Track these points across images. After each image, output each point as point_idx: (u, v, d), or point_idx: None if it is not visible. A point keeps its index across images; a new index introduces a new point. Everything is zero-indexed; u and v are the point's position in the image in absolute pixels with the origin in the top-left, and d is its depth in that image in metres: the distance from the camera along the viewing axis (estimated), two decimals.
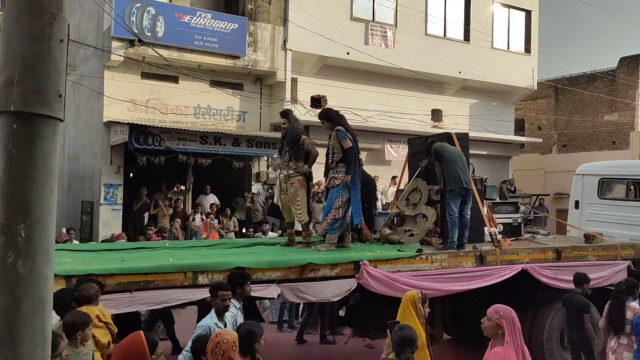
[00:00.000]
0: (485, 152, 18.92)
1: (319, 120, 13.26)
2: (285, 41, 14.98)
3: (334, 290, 5.87)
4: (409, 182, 8.08)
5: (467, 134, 8.31)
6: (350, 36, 15.77)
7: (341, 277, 5.95)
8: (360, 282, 5.94)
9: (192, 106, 14.34)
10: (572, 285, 6.84)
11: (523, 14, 19.69)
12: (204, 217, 13.02)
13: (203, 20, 13.63)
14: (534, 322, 7.19)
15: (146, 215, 13.10)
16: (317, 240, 7.18)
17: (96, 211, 13.62)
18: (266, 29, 14.74)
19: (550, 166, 23.01)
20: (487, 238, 7.48)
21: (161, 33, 13.12)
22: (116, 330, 4.36)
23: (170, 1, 14.18)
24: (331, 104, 16.01)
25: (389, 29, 16.68)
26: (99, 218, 13.41)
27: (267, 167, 15.29)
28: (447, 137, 7.72)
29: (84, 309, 4.14)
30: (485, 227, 7.55)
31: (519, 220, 8.61)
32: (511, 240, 7.74)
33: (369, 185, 7.93)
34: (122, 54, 12.92)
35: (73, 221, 14.15)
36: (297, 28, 14.87)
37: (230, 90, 14.81)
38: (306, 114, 15.47)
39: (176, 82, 14.18)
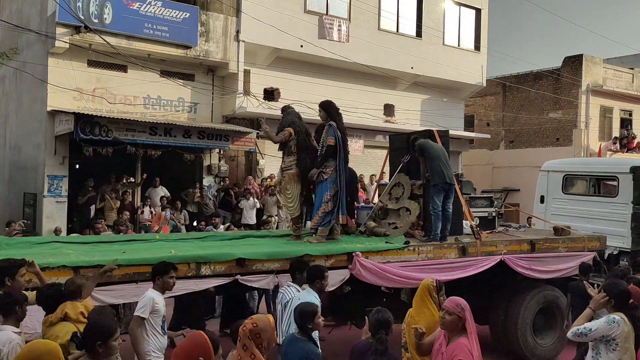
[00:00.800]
0: None
1: (270, 113, 13.40)
2: (238, 32, 14.79)
3: (328, 280, 5.97)
4: (390, 177, 8.30)
5: (447, 131, 8.62)
6: (304, 29, 15.72)
7: (335, 268, 6.15)
8: (353, 273, 6.18)
9: (142, 96, 13.99)
10: (544, 275, 7.46)
11: (473, 11, 20.10)
12: (153, 210, 12.77)
13: (153, 8, 13.30)
14: (509, 310, 7.57)
15: (92, 208, 12.72)
16: (306, 233, 7.40)
17: (39, 203, 13.13)
18: (218, 19, 14.51)
19: (498, 161, 23.67)
20: (465, 231, 7.79)
21: (109, 20, 12.72)
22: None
23: None
24: (284, 96, 15.94)
25: (343, 22, 16.72)
26: (42, 211, 12.93)
27: (219, 160, 15.09)
28: (429, 134, 7.96)
29: (69, 304, 4.17)
30: (464, 220, 7.85)
31: (494, 214, 8.95)
32: (487, 233, 8.06)
33: (352, 180, 8.09)
34: (68, 41, 12.46)
35: (15, 214, 13.59)
36: (250, 19, 14.71)
37: (181, 81, 14.52)
38: (259, 106, 15.37)
39: (125, 71, 13.79)
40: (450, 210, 7.39)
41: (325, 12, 16.52)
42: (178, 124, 13.45)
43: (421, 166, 7.57)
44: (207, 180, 14.91)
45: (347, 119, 16.73)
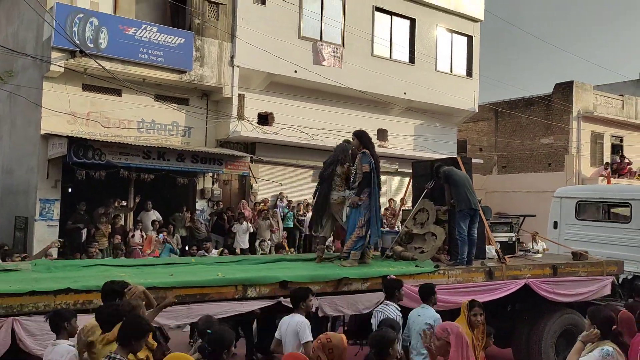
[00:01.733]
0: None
1: (264, 137, 13.60)
2: (232, 57, 14.92)
3: (364, 302, 6.29)
4: (413, 202, 8.63)
5: (470, 159, 8.98)
6: (298, 54, 15.88)
7: (370, 291, 6.39)
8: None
9: (136, 120, 14.03)
10: (566, 299, 7.64)
11: (465, 39, 20.39)
12: (144, 233, 12.70)
13: (149, 33, 13.42)
14: (531, 333, 7.63)
15: (84, 232, 12.64)
16: (333, 256, 7.80)
17: (30, 227, 13.03)
18: (213, 44, 14.65)
19: (491, 186, 23.72)
20: (488, 255, 8.03)
21: (104, 45, 12.80)
22: (155, 344, 4.40)
23: (115, 13, 13.90)
24: (278, 121, 16.09)
25: (337, 48, 16.91)
26: (33, 234, 12.83)
27: (212, 184, 15.08)
28: (452, 161, 8.29)
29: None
30: (487, 245, 8.12)
31: (514, 239, 9.13)
32: (508, 258, 8.21)
33: None
34: (63, 65, 12.52)
35: (5, 238, 13.47)
36: (245, 45, 14.86)
37: (176, 105, 14.59)
38: (253, 131, 15.43)
39: (119, 95, 13.85)
40: (476, 235, 7.65)
41: (320, 38, 16.72)
42: (172, 147, 13.46)
43: (446, 192, 7.80)
44: (200, 204, 14.88)
45: None
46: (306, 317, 5.22)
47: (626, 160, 22.85)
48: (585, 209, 11.17)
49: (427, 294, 5.87)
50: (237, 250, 13.43)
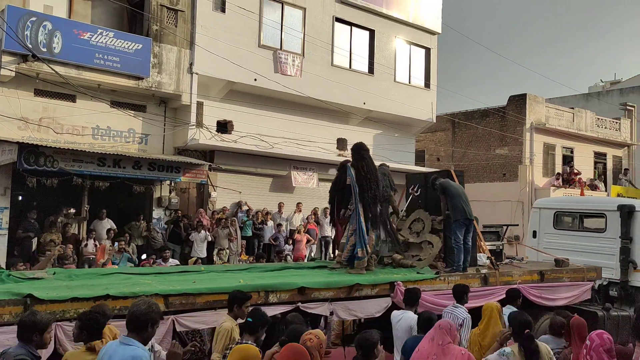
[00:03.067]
0: None
1: (223, 145, 13.53)
2: (191, 64, 14.78)
3: (375, 307, 6.83)
4: (406, 212, 9.16)
5: (462, 171, 9.89)
6: (258, 63, 15.86)
7: (380, 297, 6.91)
8: (394, 301, 6.82)
9: (91, 126, 13.72)
10: (552, 303, 8.13)
11: (423, 51, 20.76)
12: (97, 242, 12.39)
13: (105, 38, 13.16)
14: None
15: (35, 240, 12.24)
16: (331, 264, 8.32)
17: None
18: (172, 51, 14.48)
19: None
20: (479, 262, 8.59)
21: (58, 49, 12.49)
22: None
23: (70, 17, 13.59)
24: (238, 129, 16.00)
25: (296, 57, 16.97)
26: None
27: (170, 192, 14.84)
28: (447, 173, 8.88)
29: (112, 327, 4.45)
30: (478, 253, 8.68)
31: (501, 247, 9.82)
32: (498, 264, 8.72)
33: None
34: (14, 69, 12.14)
35: None
36: (204, 52, 14.75)
37: (132, 112, 14.33)
38: (211, 139, 15.29)
39: (73, 100, 13.52)
40: (470, 244, 8.16)
41: (280, 47, 16.74)
42: (128, 155, 13.20)
43: (442, 203, 8.24)
44: (157, 213, 14.62)
45: (300, 152, 17.03)
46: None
47: (575, 171, 23.65)
48: (563, 219, 11.73)
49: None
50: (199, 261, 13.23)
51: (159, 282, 6.03)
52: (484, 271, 8.08)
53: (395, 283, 6.93)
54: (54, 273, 6.77)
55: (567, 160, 24.68)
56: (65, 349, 4.71)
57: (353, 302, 6.68)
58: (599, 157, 26.34)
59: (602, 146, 26.13)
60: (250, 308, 5.09)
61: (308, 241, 15.64)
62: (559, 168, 23.84)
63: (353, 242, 7.65)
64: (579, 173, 23.70)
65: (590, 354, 4.16)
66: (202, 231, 13.85)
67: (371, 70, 19.06)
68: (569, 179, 23.16)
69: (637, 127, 27.87)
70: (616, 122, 26.99)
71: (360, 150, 8.05)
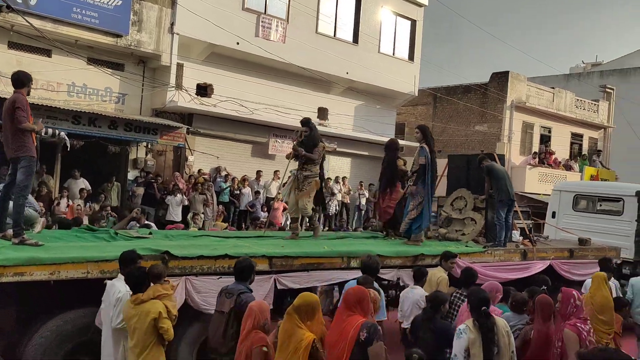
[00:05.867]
0: (367, 153, 19.55)
1: (202, 109, 13.36)
2: (172, 24, 14.41)
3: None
4: (448, 191, 9.87)
5: (503, 155, 10.59)
6: (241, 26, 15.54)
7: (435, 266, 7.19)
8: (451, 271, 7.08)
9: (66, 83, 13.37)
10: (579, 278, 8.68)
11: (409, 22, 20.56)
12: (70, 202, 12.21)
13: None
14: None
15: None
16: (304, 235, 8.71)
17: None
18: (152, 9, 14.08)
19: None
20: (513, 239, 9.30)
21: (34, 1, 12.05)
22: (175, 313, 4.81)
23: None
24: (217, 93, 15.76)
25: (280, 23, 16.66)
26: None
27: (146, 154, 14.63)
28: (490, 156, 9.41)
29: (158, 286, 4.73)
30: (513, 231, 9.34)
31: (530, 226, 10.54)
32: (527, 242, 9.42)
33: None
34: None
35: None
36: (186, 12, 14.38)
37: (110, 70, 13.99)
38: (190, 102, 15.06)
39: (49, 55, 13.13)
40: (511, 222, 8.91)
41: (264, 11, 16.41)
42: (104, 114, 12.94)
43: (486, 184, 8.92)
44: (132, 174, 14.43)
45: (281, 119, 16.87)
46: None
47: (550, 151, 23.93)
48: (581, 202, 12.51)
49: (421, 275, 6.64)
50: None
51: (255, 245, 6.71)
52: (522, 247, 8.85)
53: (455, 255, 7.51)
54: (150, 233, 7.41)
55: (545, 139, 24.93)
56: (193, 300, 5.46)
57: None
58: (576, 138, 26.66)
59: (579, 127, 26.42)
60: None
61: (284, 209, 15.63)
62: (536, 147, 24.08)
63: (412, 216, 8.21)
64: (553, 153, 24.00)
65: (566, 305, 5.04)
66: (178, 195, 13.73)
67: (356, 40, 18.84)
68: (545, 158, 23.44)
69: (615, 110, 28.21)
70: (595, 104, 27.26)
71: (428, 130, 8.61)
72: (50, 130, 6.12)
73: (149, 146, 14.63)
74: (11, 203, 5.84)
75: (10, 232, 5.72)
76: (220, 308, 4.79)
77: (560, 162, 24.18)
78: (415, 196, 8.25)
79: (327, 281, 6.58)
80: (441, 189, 9.94)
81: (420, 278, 6.54)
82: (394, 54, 20.12)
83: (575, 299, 5.11)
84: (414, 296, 6.26)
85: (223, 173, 15.69)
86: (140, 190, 13.68)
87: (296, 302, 4.09)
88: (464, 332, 4.23)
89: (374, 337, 3.81)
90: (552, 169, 23.15)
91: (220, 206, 14.99)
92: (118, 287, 4.73)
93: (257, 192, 15.77)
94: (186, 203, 13.89)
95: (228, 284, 5.00)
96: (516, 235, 9.32)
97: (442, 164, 9.53)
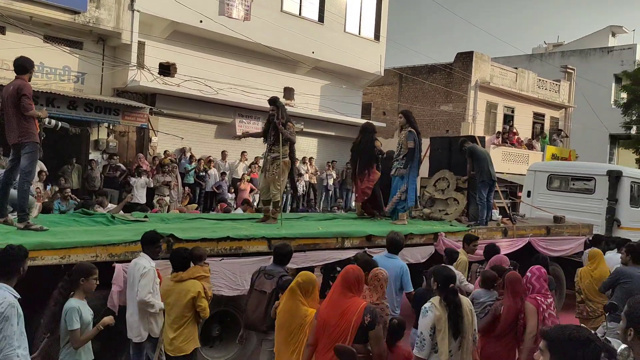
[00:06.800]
0: (333, 133, 19.51)
1: (165, 88, 12.97)
2: (132, 1, 13.96)
3: (422, 253, 7.67)
4: (430, 172, 10.22)
5: (484, 137, 11.15)
6: (204, 4, 15.18)
7: (425, 245, 7.78)
8: (437, 249, 7.61)
9: None
10: (555, 254, 9.21)
11: (374, 2, 20.45)
12: None
13: None
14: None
15: None
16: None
17: None
18: None
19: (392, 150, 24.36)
20: (493, 217, 9.59)
21: None
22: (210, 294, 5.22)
23: None
24: (181, 72, 15.43)
25: (245, 1, 16.34)
26: None
27: (108, 135, 14.25)
28: (471, 138, 9.68)
29: (198, 267, 5.18)
30: (493, 210, 9.65)
31: (508, 205, 10.98)
32: (506, 220, 9.77)
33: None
34: None
35: None
36: None
37: (68, 48, 13.52)
38: (153, 81, 14.71)
39: (2, 32, 12.62)
40: (492, 201, 9.25)
41: None
42: (62, 94, 12.51)
43: (468, 165, 9.19)
44: (94, 156, 14.05)
45: (246, 99, 16.64)
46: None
47: (514, 130, 24.34)
48: (555, 181, 12.91)
49: (399, 246, 6.61)
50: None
51: (250, 228, 6.84)
52: (502, 225, 9.25)
53: (438, 234, 7.88)
54: (146, 216, 7.56)
55: (508, 119, 25.31)
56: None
57: (405, 249, 7.29)
58: (538, 118, 27.15)
59: (541, 107, 26.91)
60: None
61: (251, 190, 15.50)
62: (499, 127, 24.43)
63: (402, 198, 8.57)
64: (516, 133, 24.41)
65: (530, 282, 5.20)
66: (143, 176, 13.45)
67: (321, 18, 18.65)
68: (508, 137, 23.81)
69: (575, 90, 28.80)
70: (556, 84, 27.76)
71: (411, 115, 8.94)
72: (53, 122, 6.19)
73: (111, 127, 14.25)
74: (12, 189, 5.95)
75: (10, 217, 5.84)
76: (260, 288, 5.11)
77: (522, 142, 24.62)
78: (405, 179, 8.60)
79: (323, 261, 6.86)
80: (424, 170, 10.18)
81: (452, 259, 6.73)
82: (359, 33, 20.01)
83: (534, 277, 5.25)
84: (395, 269, 6.38)
85: (188, 154, 15.43)
86: (97, 173, 13.36)
87: (299, 279, 4.35)
88: (430, 310, 4.24)
89: (376, 321, 4.06)
90: (515, 148, 23.54)
91: (186, 188, 14.77)
92: (142, 264, 4.97)
93: (223, 174, 15.58)
94: (151, 185, 13.63)
95: (265, 265, 5.42)
96: (496, 214, 9.67)
97: (424, 146, 9.68)
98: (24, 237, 5.04)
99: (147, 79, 14.52)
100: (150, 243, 5.13)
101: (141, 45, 14.56)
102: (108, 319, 4.51)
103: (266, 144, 7.96)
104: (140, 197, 13.39)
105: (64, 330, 4.29)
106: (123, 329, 5.08)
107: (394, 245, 6.20)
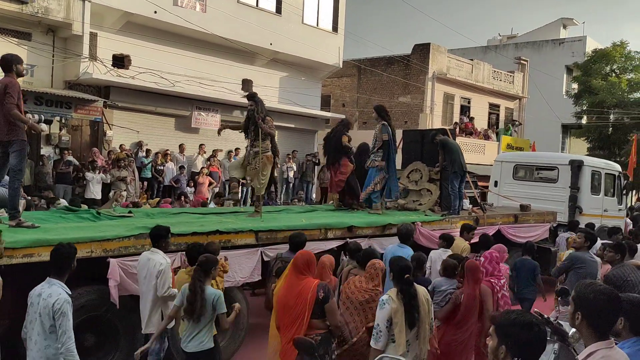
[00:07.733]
0: (292, 125, 19.43)
1: (119, 81, 12.65)
2: None
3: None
4: (403, 164, 10.49)
5: (454, 130, 11.90)
6: None
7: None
8: (414, 238, 7.52)
9: None
10: (523, 240, 9.25)
11: None
12: None
13: None
14: None
15: None
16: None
17: None
18: None
19: (352, 142, 24.45)
20: (464, 207, 10.04)
21: None
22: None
23: None
24: (136, 64, 15.08)
25: None
26: None
27: (60, 129, 13.81)
28: (442, 131, 10.09)
29: None
30: (464, 200, 10.05)
31: (477, 194, 11.48)
32: (476, 209, 10.20)
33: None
34: None
35: None
36: None
37: (16, 40, 13.00)
38: (107, 73, 14.32)
39: None
40: (463, 191, 9.68)
41: None
42: None
43: (440, 157, 9.57)
44: (46, 151, 13.60)
45: (204, 92, 16.40)
46: None
47: (469, 122, 24.80)
48: (521, 171, 13.41)
49: (409, 235, 7.00)
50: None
51: (235, 222, 6.99)
52: (473, 214, 9.61)
53: (415, 223, 8.12)
54: (130, 211, 7.64)
55: (465, 110, 25.75)
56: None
57: (385, 238, 7.83)
58: (493, 108, 27.72)
59: (496, 98, 27.47)
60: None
61: (210, 184, 15.31)
62: (457, 118, 24.83)
63: (377, 189, 8.90)
64: (472, 124, 24.87)
65: (484, 265, 5.69)
66: (98, 172, 13.10)
67: (279, 10, 18.51)
68: (466, 128, 24.22)
69: (529, 81, 29.51)
70: (510, 75, 28.38)
71: (384, 109, 9.17)
72: (43, 126, 6.12)
73: (63, 121, 13.81)
74: (1, 188, 6.00)
75: None
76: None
77: (480, 132, 25.09)
78: (381, 171, 8.91)
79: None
80: (397, 162, 10.34)
81: (450, 243, 7.19)
82: (317, 25, 19.95)
83: (486, 261, 5.86)
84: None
85: (144, 148, 15.11)
86: (49, 169, 12.95)
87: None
88: (387, 303, 4.26)
89: (329, 295, 4.44)
90: (471, 139, 23.98)
91: (144, 182, 14.47)
92: (158, 260, 5.10)
93: (181, 167, 15.33)
94: (108, 181, 13.29)
95: (282, 251, 5.99)
96: (466, 203, 10.07)
97: (396, 138, 9.95)
98: (20, 234, 5.13)
99: (100, 71, 14.13)
100: (162, 237, 5.30)
101: (93, 36, 14.15)
102: (238, 306, 5.07)
103: (247, 140, 8.16)
104: (96, 192, 13.05)
105: (209, 314, 4.61)
106: (118, 323, 5.46)
107: (405, 235, 6.66)
